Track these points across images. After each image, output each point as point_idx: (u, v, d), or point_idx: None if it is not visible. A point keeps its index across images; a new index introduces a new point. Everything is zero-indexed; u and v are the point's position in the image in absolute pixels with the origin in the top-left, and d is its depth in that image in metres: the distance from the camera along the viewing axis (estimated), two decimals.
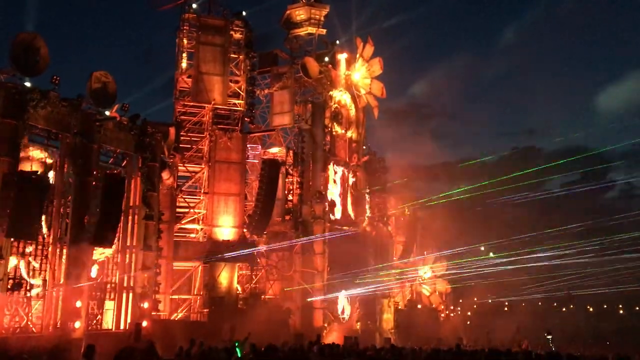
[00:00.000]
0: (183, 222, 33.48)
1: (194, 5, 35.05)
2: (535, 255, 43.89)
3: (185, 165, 34.17)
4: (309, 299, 34.74)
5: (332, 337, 32.16)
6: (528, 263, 45.52)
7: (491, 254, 48.93)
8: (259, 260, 35.35)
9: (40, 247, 21.89)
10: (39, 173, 21.73)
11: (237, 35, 36.14)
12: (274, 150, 39.49)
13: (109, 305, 24.99)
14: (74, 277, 21.67)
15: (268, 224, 34.54)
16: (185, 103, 34.65)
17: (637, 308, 76.88)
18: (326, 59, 39.08)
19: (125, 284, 25.28)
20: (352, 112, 41.57)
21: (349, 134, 41.57)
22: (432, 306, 51.00)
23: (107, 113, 24.06)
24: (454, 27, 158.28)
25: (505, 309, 67.37)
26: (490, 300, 63.75)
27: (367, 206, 42.33)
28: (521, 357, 15.65)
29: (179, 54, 35.06)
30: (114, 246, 24.50)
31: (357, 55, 41.13)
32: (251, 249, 33.45)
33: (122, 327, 24.69)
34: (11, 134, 20.64)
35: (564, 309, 75.10)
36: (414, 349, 21.77)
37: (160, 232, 27.25)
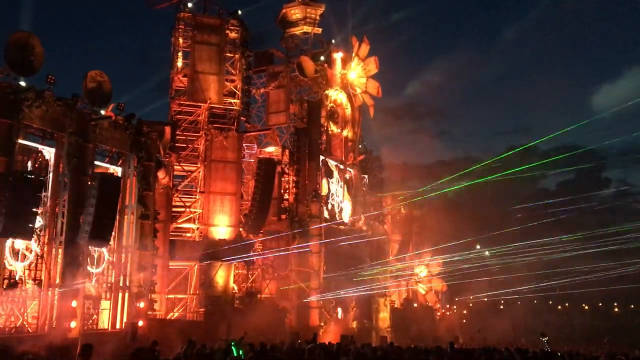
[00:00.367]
0: (179, 221, 33.43)
1: (190, 5, 35.02)
2: (531, 251, 43.96)
3: (181, 164, 34.12)
4: (305, 300, 34.77)
5: (329, 336, 32.18)
6: (523, 260, 45.61)
7: (486, 252, 49.06)
8: (255, 260, 35.36)
9: (35, 246, 21.82)
10: (34, 173, 21.68)
11: (233, 35, 36.09)
12: (270, 149, 39.49)
13: (105, 304, 24.93)
14: (70, 276, 21.63)
15: (264, 223, 34.59)
16: (181, 102, 34.58)
17: (632, 306, 77.22)
18: (322, 58, 39.13)
19: (121, 284, 25.23)
20: (348, 111, 41.62)
21: (344, 132, 41.62)
22: (428, 305, 51.16)
23: (103, 112, 23.99)
24: (450, 26, 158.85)
25: (501, 307, 67.55)
26: (486, 299, 63.94)
27: (362, 205, 42.39)
28: (516, 355, 15.70)
29: (175, 53, 34.98)
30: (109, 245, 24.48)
31: (353, 54, 41.18)
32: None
33: (118, 326, 24.63)
34: (6, 134, 20.57)
35: (559, 307, 75.39)
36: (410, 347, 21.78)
37: (156, 231, 27.25)
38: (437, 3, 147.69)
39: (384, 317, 42.44)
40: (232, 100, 35.57)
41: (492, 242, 47.71)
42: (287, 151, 37.80)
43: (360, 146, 43.45)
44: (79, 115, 23.18)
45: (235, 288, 33.96)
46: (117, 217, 24.65)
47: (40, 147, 22.81)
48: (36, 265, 21.79)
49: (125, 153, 25.82)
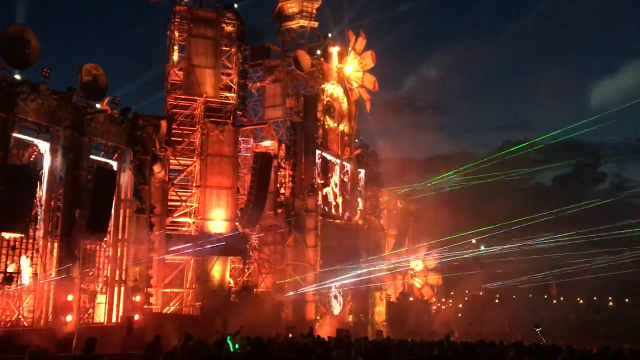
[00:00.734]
0: (175, 215, 33.38)
1: None
2: (526, 243, 44.18)
3: (177, 158, 34.03)
4: (300, 290, 34.81)
5: (325, 330, 32.26)
6: (518, 254, 45.83)
7: (482, 247, 49.18)
8: (251, 254, 35.39)
9: (31, 240, 21.79)
10: (29, 167, 21.61)
11: (229, 28, 35.94)
12: (266, 143, 39.44)
13: (101, 298, 24.93)
14: (65, 270, 21.60)
15: (260, 217, 34.58)
16: (177, 96, 34.46)
17: (627, 300, 77.65)
18: (318, 52, 39.02)
19: (117, 278, 25.22)
20: (344, 105, 41.59)
21: (341, 127, 41.61)
22: (424, 298, 51.35)
23: (98, 106, 23.88)
24: (448, 21, 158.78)
25: (497, 300, 67.88)
26: (481, 292, 64.23)
27: (359, 199, 42.44)
28: (512, 349, 15.75)
29: (170, 47, 34.80)
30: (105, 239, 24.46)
31: (349, 48, 41.11)
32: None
33: (113, 320, 24.63)
34: (1, 127, 20.44)
35: (554, 301, 75.76)
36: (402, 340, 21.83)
37: (151, 225, 27.18)
38: None
39: (379, 311, 42.56)
40: (228, 94, 35.45)
41: (488, 236, 47.84)
42: (283, 145, 37.75)
43: (356, 140, 43.44)
44: (74, 109, 23.09)
45: (232, 282, 33.97)
46: (113, 211, 24.63)
47: (35, 140, 22.67)
48: (32, 259, 21.75)
49: (121, 147, 25.73)
